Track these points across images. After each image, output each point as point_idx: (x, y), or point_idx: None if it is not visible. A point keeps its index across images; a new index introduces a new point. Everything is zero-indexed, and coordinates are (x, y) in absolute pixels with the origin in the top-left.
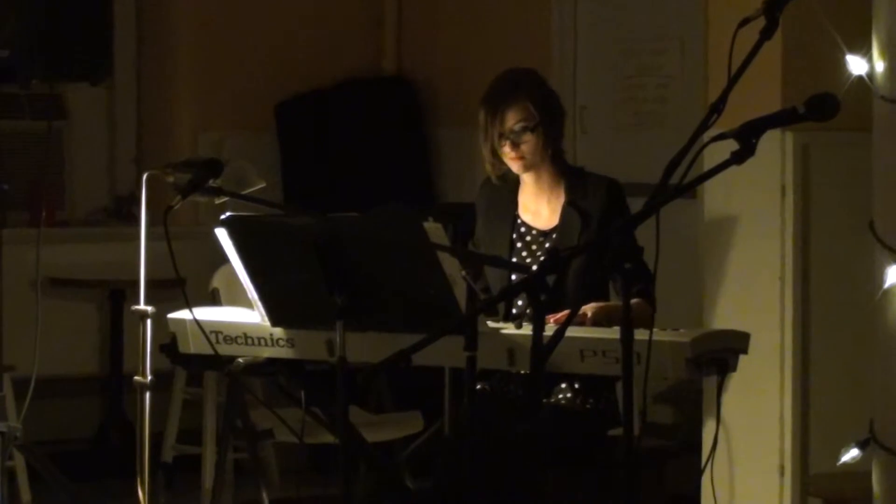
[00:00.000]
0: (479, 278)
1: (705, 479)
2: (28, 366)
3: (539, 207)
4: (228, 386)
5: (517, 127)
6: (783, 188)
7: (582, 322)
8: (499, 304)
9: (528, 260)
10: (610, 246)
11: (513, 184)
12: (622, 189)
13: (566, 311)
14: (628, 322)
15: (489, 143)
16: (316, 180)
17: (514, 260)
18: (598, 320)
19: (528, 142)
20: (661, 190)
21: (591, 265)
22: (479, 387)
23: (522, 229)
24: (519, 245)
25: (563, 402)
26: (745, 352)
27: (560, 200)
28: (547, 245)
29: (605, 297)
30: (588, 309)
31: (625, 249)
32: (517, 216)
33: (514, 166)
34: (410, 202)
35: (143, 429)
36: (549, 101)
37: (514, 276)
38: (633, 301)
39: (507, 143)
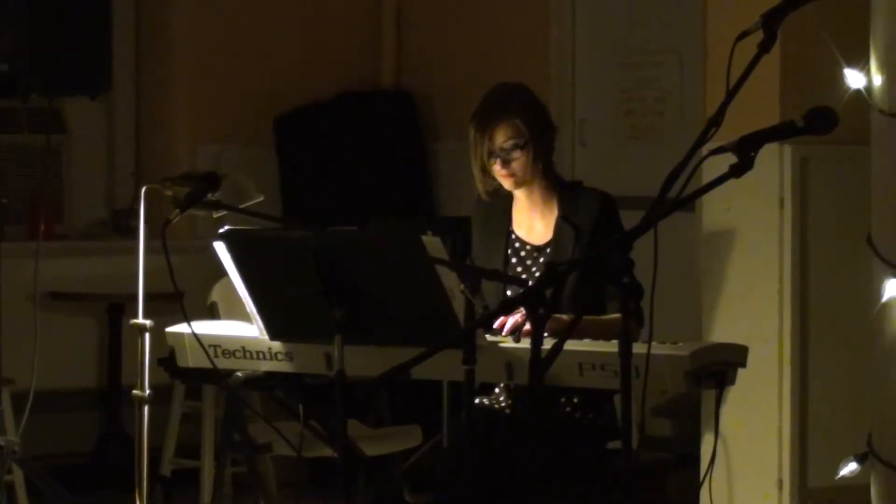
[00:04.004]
0: (478, 292)
1: (704, 493)
2: (27, 379)
3: (533, 222)
4: (227, 399)
5: (507, 144)
6: (781, 201)
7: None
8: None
9: (524, 275)
10: (606, 260)
11: (506, 199)
12: (615, 202)
13: (513, 318)
14: (627, 335)
15: (479, 161)
16: (314, 194)
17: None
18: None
19: (518, 159)
20: (660, 203)
21: (586, 279)
22: (477, 400)
23: (517, 244)
24: (514, 260)
25: (561, 415)
26: (743, 365)
27: (553, 215)
28: (541, 260)
29: (600, 311)
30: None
31: (622, 264)
32: (511, 231)
33: (506, 183)
34: (409, 216)
35: (142, 442)
36: (538, 117)
37: (509, 291)
38: (613, 316)
39: (497, 160)
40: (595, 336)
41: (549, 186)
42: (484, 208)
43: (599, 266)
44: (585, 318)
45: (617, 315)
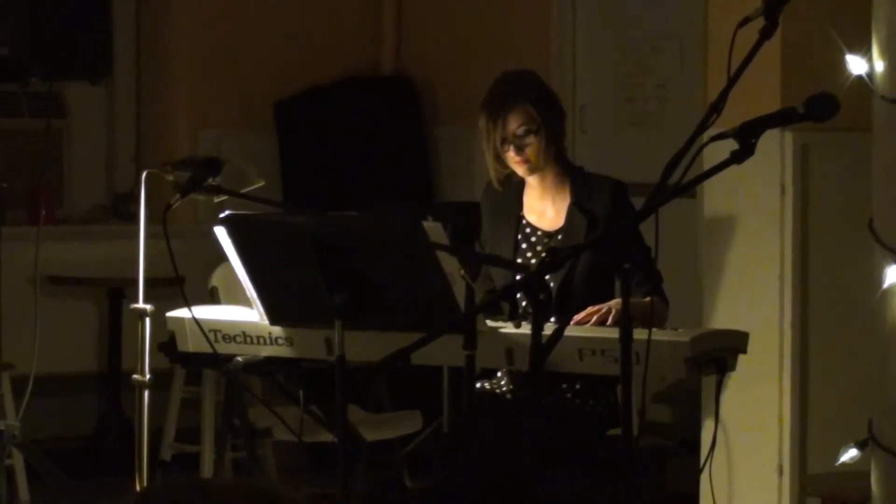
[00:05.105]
0: (479, 277)
1: (704, 479)
2: (27, 364)
3: (544, 208)
4: (227, 384)
5: (520, 131)
6: (783, 188)
7: (604, 321)
8: (503, 304)
9: (534, 261)
10: (611, 246)
11: (517, 185)
12: (627, 190)
13: (590, 310)
14: (627, 321)
15: (492, 148)
16: (315, 179)
17: (519, 261)
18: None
19: (532, 144)
20: (661, 189)
21: (598, 265)
22: (479, 385)
23: (528, 230)
24: (524, 246)
25: (563, 402)
26: (744, 351)
27: (565, 201)
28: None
29: (612, 297)
30: (614, 305)
31: (626, 249)
32: (522, 217)
33: (520, 170)
34: (409, 201)
35: (142, 427)
36: (549, 102)
37: (518, 276)
38: (648, 300)
39: (511, 147)
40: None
41: (562, 172)
42: (494, 194)
43: (608, 252)
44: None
45: (647, 299)
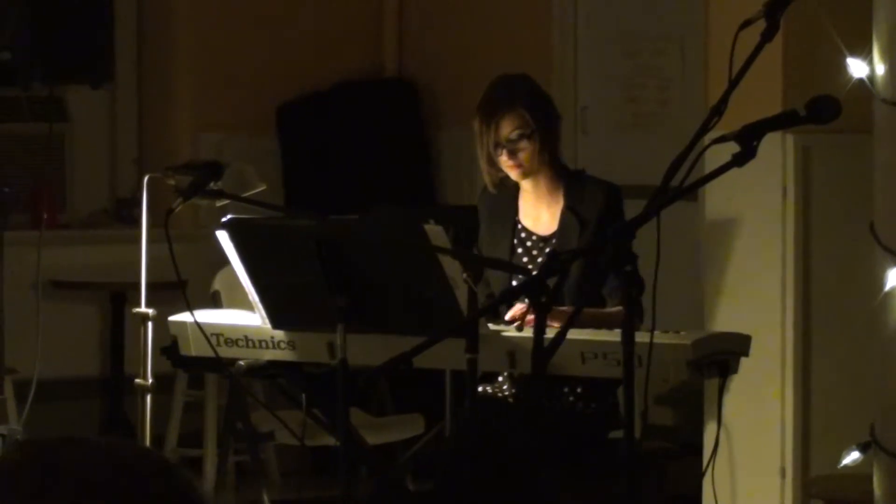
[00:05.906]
0: (480, 280)
1: (706, 481)
2: (29, 368)
3: (539, 213)
4: (229, 388)
5: (513, 135)
6: (784, 190)
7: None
8: (500, 307)
9: (529, 265)
10: (607, 249)
11: (513, 190)
12: (620, 193)
13: (521, 307)
14: (630, 324)
15: (485, 152)
16: (317, 183)
17: None
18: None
19: (525, 149)
20: (662, 192)
21: (589, 269)
22: (480, 388)
23: (523, 235)
24: (520, 251)
25: (565, 405)
26: (746, 354)
27: (559, 205)
28: (547, 250)
29: (602, 301)
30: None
31: (623, 253)
32: (517, 222)
33: (513, 174)
34: (411, 204)
35: (145, 431)
36: (543, 106)
37: (514, 281)
38: (616, 310)
39: (504, 151)
40: (595, 328)
41: (556, 176)
42: (490, 199)
43: (602, 256)
44: (587, 310)
45: (617, 308)
